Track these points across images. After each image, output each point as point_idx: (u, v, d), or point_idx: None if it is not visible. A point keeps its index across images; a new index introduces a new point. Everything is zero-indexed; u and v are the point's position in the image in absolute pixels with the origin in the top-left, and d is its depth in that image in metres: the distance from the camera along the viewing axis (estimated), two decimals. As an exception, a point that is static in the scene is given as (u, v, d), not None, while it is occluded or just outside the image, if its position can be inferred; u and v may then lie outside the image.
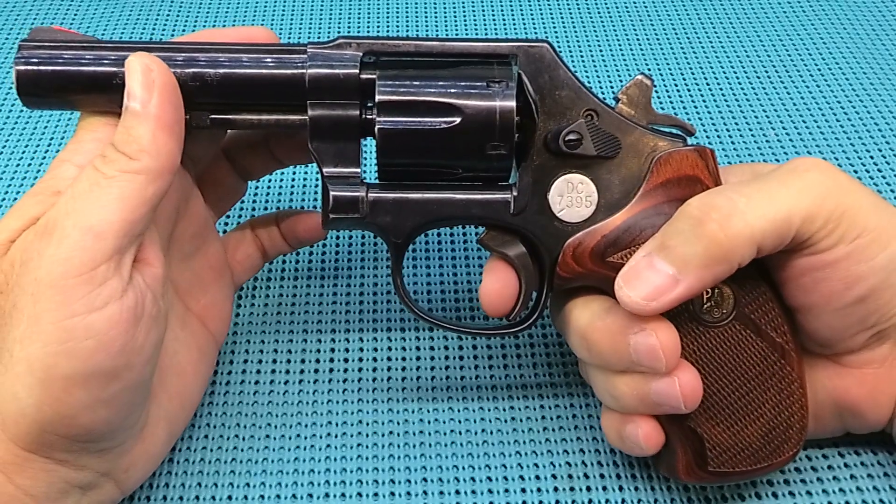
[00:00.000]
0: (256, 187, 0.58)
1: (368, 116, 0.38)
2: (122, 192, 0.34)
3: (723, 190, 0.37)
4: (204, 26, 0.71)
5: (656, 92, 0.65)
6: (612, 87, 0.66)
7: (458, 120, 0.37)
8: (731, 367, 0.39)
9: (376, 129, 0.37)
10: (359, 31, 0.71)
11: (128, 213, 0.34)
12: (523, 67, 0.38)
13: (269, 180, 0.58)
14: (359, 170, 0.38)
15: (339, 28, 0.71)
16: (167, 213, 0.40)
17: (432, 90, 0.37)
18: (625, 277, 0.36)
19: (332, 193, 0.38)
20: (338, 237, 0.54)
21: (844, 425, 0.41)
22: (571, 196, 0.39)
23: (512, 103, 0.37)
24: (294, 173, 0.59)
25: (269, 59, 0.38)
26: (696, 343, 0.38)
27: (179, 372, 0.41)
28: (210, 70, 0.37)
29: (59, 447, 0.34)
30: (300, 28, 0.71)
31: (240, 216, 0.55)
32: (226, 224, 0.54)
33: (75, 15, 0.71)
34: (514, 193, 0.39)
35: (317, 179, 0.59)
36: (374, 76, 0.37)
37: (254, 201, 0.57)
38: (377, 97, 0.37)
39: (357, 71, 0.37)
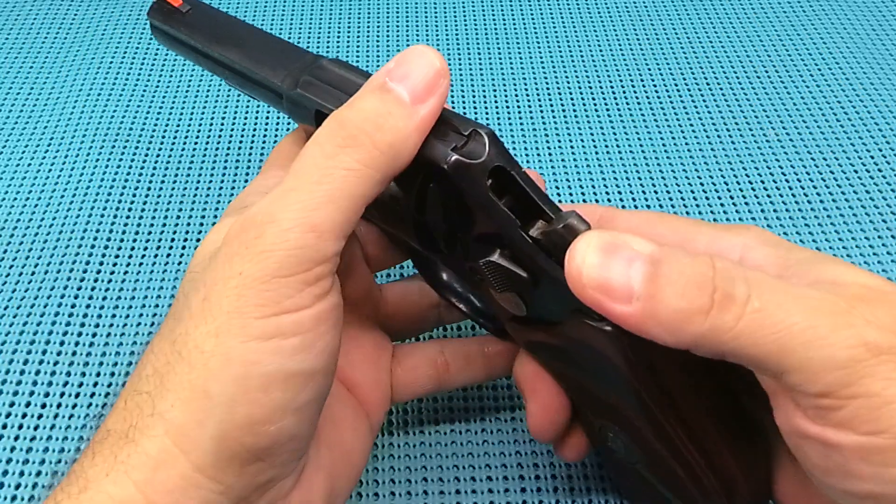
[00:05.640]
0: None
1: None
2: (355, 189, 0.30)
3: None
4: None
5: (656, 90, 0.65)
6: (612, 88, 0.66)
7: None
8: None
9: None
10: (359, 31, 0.71)
11: (355, 212, 0.31)
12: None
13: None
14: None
15: (339, 28, 0.71)
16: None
17: None
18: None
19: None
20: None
21: None
22: None
23: None
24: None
25: None
26: None
27: (332, 420, 0.37)
28: None
29: (235, 462, 0.30)
30: (300, 27, 0.71)
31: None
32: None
33: (75, 16, 0.71)
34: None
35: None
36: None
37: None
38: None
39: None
